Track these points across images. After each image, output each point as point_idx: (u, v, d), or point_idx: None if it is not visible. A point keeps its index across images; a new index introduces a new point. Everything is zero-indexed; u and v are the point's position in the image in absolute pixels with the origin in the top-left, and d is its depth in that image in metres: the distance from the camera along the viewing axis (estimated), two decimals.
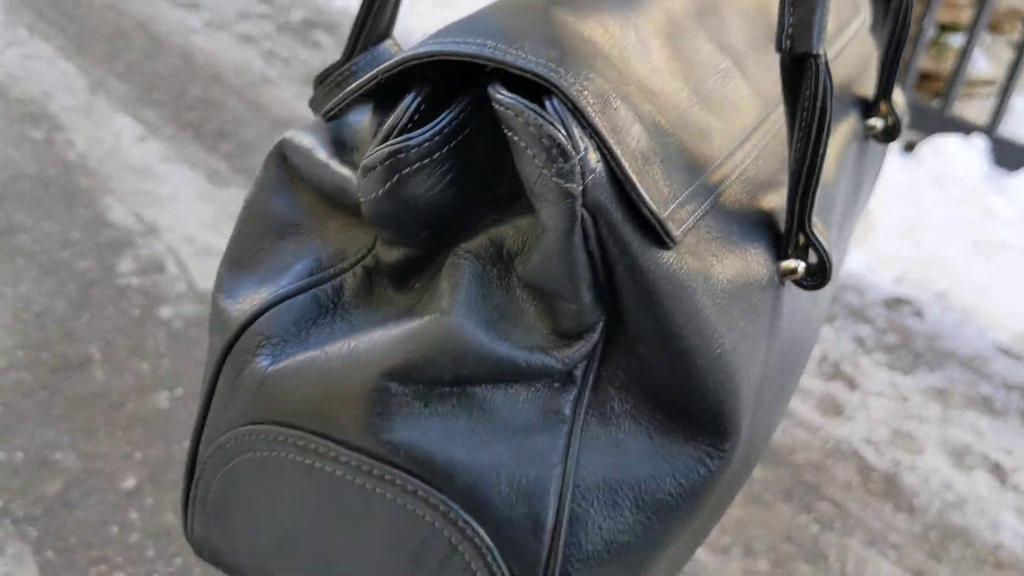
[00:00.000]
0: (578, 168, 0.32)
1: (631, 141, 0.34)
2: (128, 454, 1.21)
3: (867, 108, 0.60)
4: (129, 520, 1.12)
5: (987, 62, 2.46)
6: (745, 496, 1.26)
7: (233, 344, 0.39)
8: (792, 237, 0.42)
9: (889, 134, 0.60)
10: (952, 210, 1.97)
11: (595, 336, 0.36)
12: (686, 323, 0.35)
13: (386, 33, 0.48)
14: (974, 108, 2.36)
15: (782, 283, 0.43)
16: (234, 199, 1.84)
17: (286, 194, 0.41)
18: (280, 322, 0.39)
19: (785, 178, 0.45)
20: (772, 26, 0.50)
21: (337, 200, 0.39)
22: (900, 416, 1.47)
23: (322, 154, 0.39)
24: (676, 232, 0.35)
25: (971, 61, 2.19)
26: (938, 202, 1.98)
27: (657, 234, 0.35)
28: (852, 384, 1.53)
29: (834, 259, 0.46)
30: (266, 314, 0.39)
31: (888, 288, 1.82)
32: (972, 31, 2.14)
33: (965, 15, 2.35)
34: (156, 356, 1.38)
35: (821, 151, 0.40)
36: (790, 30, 0.37)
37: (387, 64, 0.35)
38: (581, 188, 0.32)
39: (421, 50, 0.34)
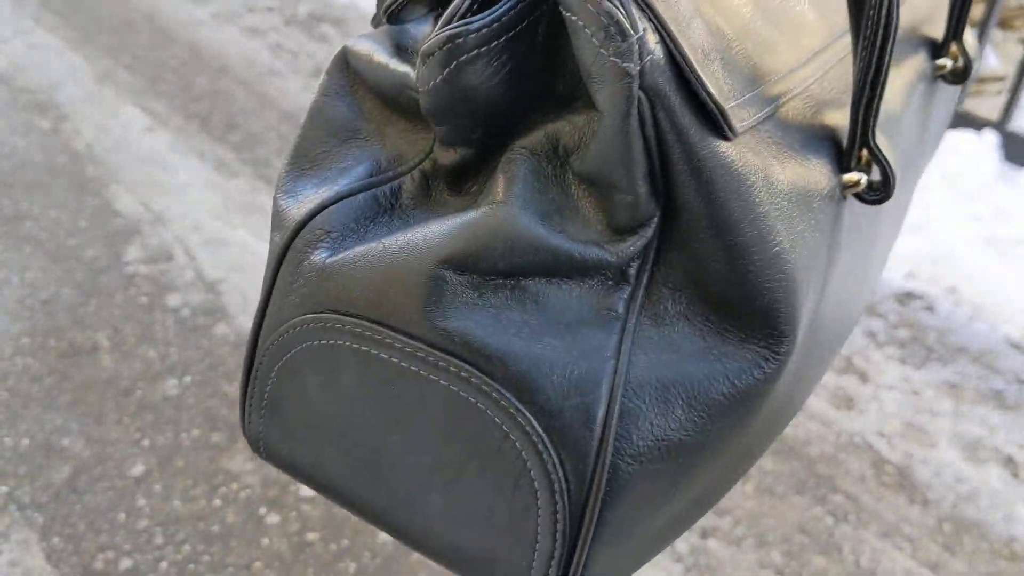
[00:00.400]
0: (636, 48, 0.31)
1: (692, 33, 0.34)
2: (136, 441, 1.20)
3: (937, 49, 0.59)
4: (137, 507, 1.11)
5: (997, 59, 2.45)
6: (758, 488, 1.25)
7: (293, 240, 0.40)
8: (855, 151, 0.42)
9: (959, 75, 0.59)
10: (963, 205, 1.96)
11: (650, 231, 0.35)
12: (742, 216, 0.35)
13: None
14: (985, 104, 2.35)
15: (844, 197, 0.43)
16: (241, 189, 1.83)
17: (348, 99, 0.41)
18: (339, 218, 0.39)
19: (849, 100, 0.45)
20: None
21: (397, 102, 0.39)
22: (912, 410, 1.46)
23: (383, 55, 0.40)
24: (737, 125, 0.35)
25: (982, 58, 2.18)
26: (949, 197, 1.97)
27: (716, 123, 0.34)
28: (864, 378, 1.52)
29: (898, 177, 0.46)
30: (325, 211, 0.39)
31: (899, 283, 1.81)
32: (983, 28, 2.12)
33: (976, 11, 2.34)
34: (164, 344, 1.37)
35: (886, 61, 0.39)
36: None
37: None
38: (639, 69, 0.32)
39: None
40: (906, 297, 1.77)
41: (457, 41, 0.34)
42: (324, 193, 0.40)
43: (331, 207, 0.39)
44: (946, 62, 0.58)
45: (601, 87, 0.32)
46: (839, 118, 0.44)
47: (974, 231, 1.91)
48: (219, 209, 1.75)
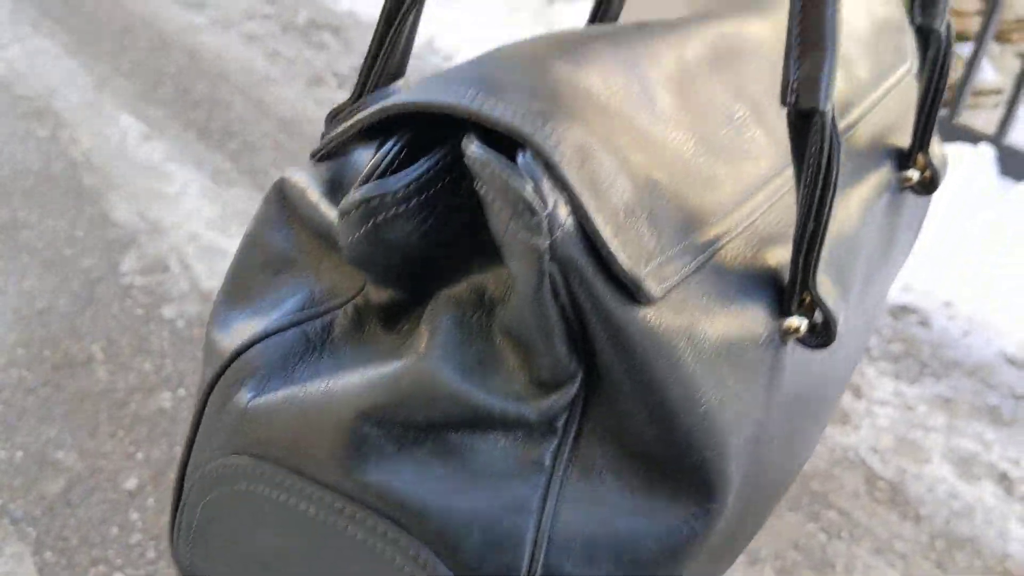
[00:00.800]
0: (545, 223, 0.31)
1: (613, 194, 0.33)
2: (130, 454, 1.20)
3: (903, 159, 0.58)
4: (130, 520, 1.11)
5: (995, 72, 2.45)
6: None
7: (221, 375, 0.39)
8: (796, 295, 0.41)
9: (927, 187, 0.58)
10: (959, 219, 1.96)
11: (574, 388, 0.34)
12: (666, 377, 0.34)
13: (399, 72, 0.47)
14: (981, 118, 2.36)
15: (784, 343, 0.41)
16: (239, 198, 1.83)
17: (283, 230, 0.41)
18: (267, 356, 0.38)
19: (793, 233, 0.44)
20: None
21: (331, 238, 0.39)
22: (906, 425, 1.46)
23: (314, 194, 0.39)
24: (656, 289, 0.34)
25: (979, 71, 2.19)
26: (945, 211, 1.97)
27: (633, 292, 0.33)
28: (858, 393, 1.52)
29: (852, 316, 0.44)
30: (254, 347, 0.39)
31: (894, 296, 1.81)
32: (980, 41, 2.13)
33: (973, 24, 2.35)
34: (159, 355, 1.38)
35: (827, 209, 0.39)
36: (795, 84, 0.36)
37: (367, 113, 0.35)
38: (548, 243, 0.31)
39: (401, 100, 0.33)
40: (900, 311, 1.78)
41: (373, 203, 0.33)
42: (255, 326, 0.39)
43: (260, 343, 0.39)
44: (912, 174, 0.57)
45: (512, 258, 0.32)
46: (783, 255, 0.43)
47: (969, 245, 1.91)
48: (215, 218, 1.75)
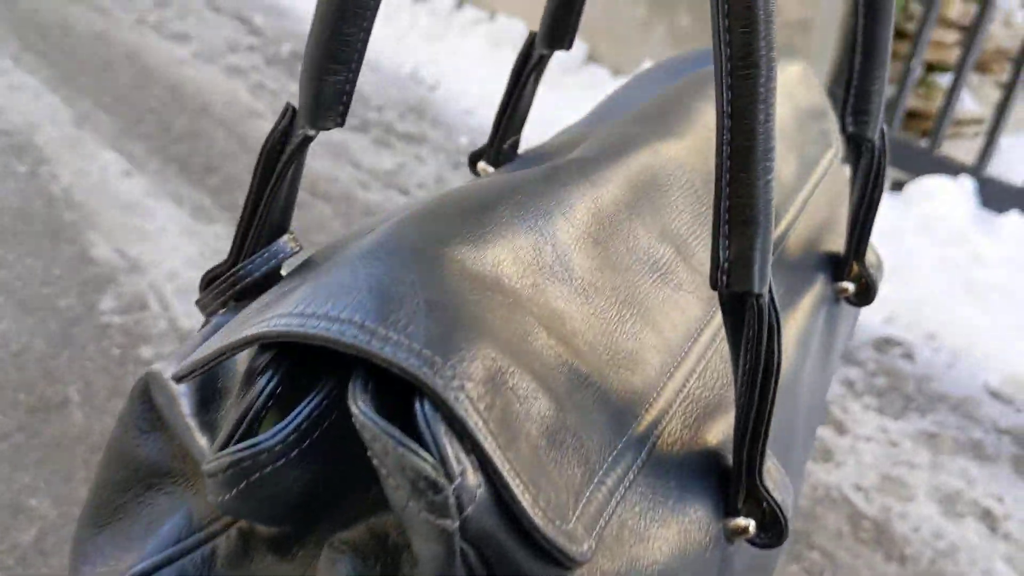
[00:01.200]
0: (453, 501, 0.26)
1: (531, 425, 0.29)
2: None
3: (837, 266, 0.55)
4: None
5: (975, 102, 2.47)
6: None
7: None
8: (740, 490, 0.37)
9: (862, 297, 0.55)
10: (940, 251, 1.96)
11: None
12: None
13: (283, 225, 0.41)
14: (962, 148, 2.37)
15: (731, 542, 0.38)
16: (219, 235, 1.82)
17: (153, 435, 0.36)
18: None
19: (732, 394, 0.40)
20: None
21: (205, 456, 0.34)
22: (890, 462, 1.45)
23: (185, 406, 0.34)
24: (584, 545, 0.30)
25: (959, 101, 2.20)
26: (926, 243, 1.98)
27: (559, 559, 0.29)
28: (842, 429, 1.51)
29: (795, 461, 0.40)
30: None
31: (878, 328, 1.81)
32: (959, 71, 2.14)
33: (952, 55, 2.36)
34: None
35: (769, 400, 0.35)
36: (726, 265, 0.32)
37: (232, 341, 0.30)
38: (458, 524, 0.26)
39: (273, 325, 0.29)
40: (884, 343, 1.78)
41: (245, 464, 0.29)
42: (127, 562, 0.34)
43: None
44: (848, 285, 0.55)
45: (415, 536, 0.27)
46: (724, 428, 0.39)
47: (952, 277, 1.91)
48: (195, 256, 1.74)
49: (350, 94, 0.36)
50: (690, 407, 0.38)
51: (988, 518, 1.37)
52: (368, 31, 0.34)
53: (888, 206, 2.10)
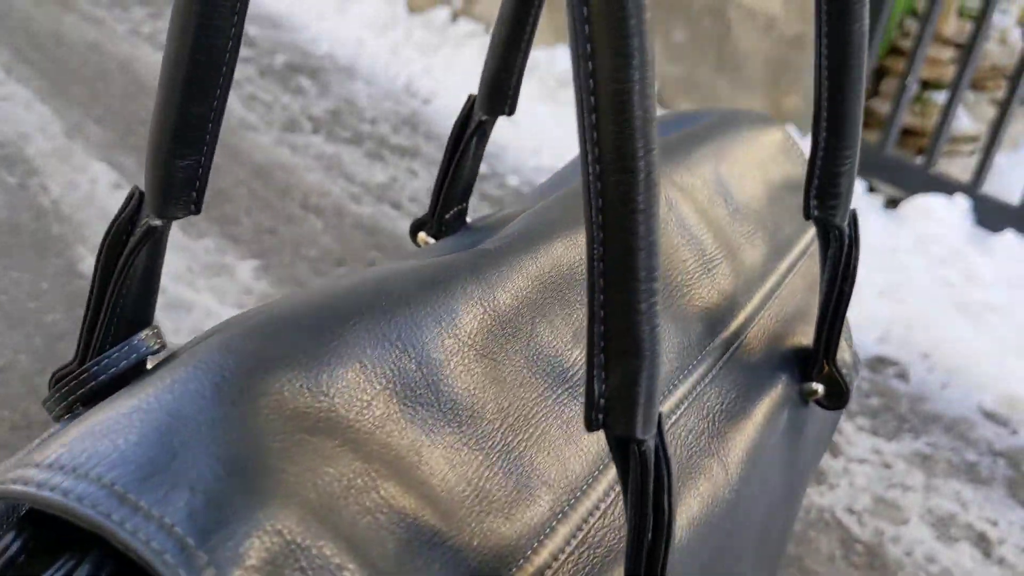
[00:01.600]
0: None
1: None
2: None
3: (806, 365, 0.49)
4: None
5: (970, 120, 2.46)
6: None
7: None
8: None
9: (834, 400, 0.49)
10: (935, 270, 1.95)
11: None
12: None
13: (143, 319, 0.35)
14: (957, 165, 2.36)
15: None
16: (208, 250, 1.81)
17: None
18: None
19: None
20: None
21: None
22: (883, 484, 1.44)
23: None
24: None
25: (954, 118, 2.19)
26: (921, 263, 1.97)
27: None
28: (835, 451, 1.50)
29: None
30: None
31: (872, 347, 1.80)
32: (955, 89, 2.14)
33: (948, 72, 2.36)
34: None
35: (659, 565, 0.29)
36: (602, 402, 0.27)
37: None
38: None
39: (12, 480, 0.24)
40: (879, 363, 1.76)
41: None
42: None
43: None
44: (817, 387, 0.49)
45: None
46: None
47: (947, 296, 1.90)
48: (183, 271, 1.72)
49: (204, 179, 0.31)
50: (585, 556, 0.32)
51: (982, 542, 1.35)
52: (221, 108, 0.30)
53: (882, 224, 2.09)
